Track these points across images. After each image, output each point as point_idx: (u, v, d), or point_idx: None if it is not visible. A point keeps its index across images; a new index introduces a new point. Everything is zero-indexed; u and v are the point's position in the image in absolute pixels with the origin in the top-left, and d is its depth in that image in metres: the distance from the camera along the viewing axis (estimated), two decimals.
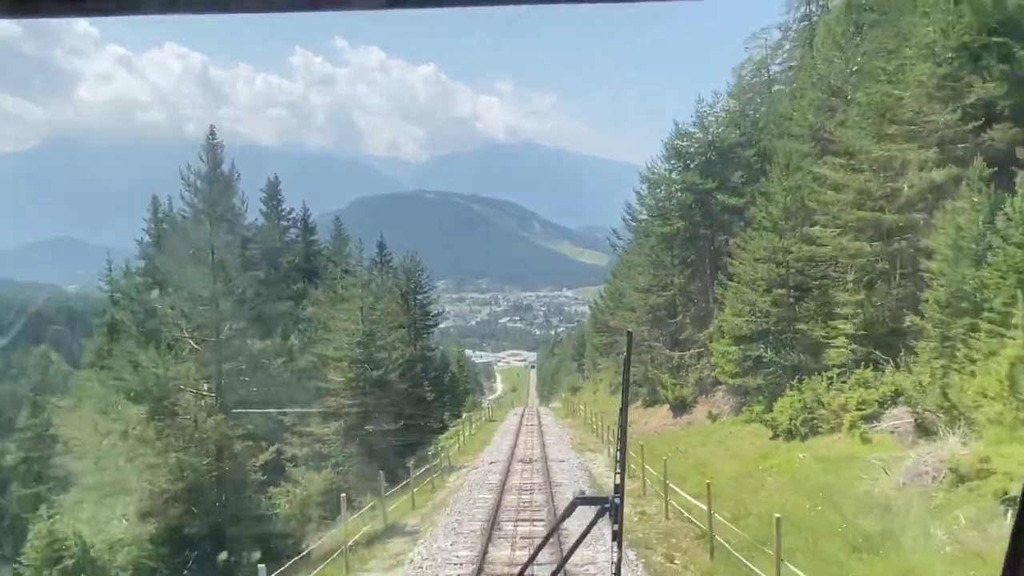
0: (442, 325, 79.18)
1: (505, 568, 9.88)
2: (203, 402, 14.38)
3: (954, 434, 13.66)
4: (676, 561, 10.79)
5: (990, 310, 14.98)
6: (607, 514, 1.84)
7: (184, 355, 14.98)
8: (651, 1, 1.11)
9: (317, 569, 11.30)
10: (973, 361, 15.03)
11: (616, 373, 43.30)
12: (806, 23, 49.18)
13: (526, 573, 2.22)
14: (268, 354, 17.01)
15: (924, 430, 15.44)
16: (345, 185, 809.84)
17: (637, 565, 10.44)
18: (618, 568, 1.94)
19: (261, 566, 9.23)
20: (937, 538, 10.24)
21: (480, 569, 9.79)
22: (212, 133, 19.86)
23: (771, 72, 54.28)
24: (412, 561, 10.95)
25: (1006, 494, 10.47)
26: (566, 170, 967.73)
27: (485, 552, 10.58)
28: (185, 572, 13.72)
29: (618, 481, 1.91)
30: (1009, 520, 10.04)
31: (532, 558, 2.12)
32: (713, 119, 31.30)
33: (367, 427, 25.14)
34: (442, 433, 41.12)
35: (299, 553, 13.33)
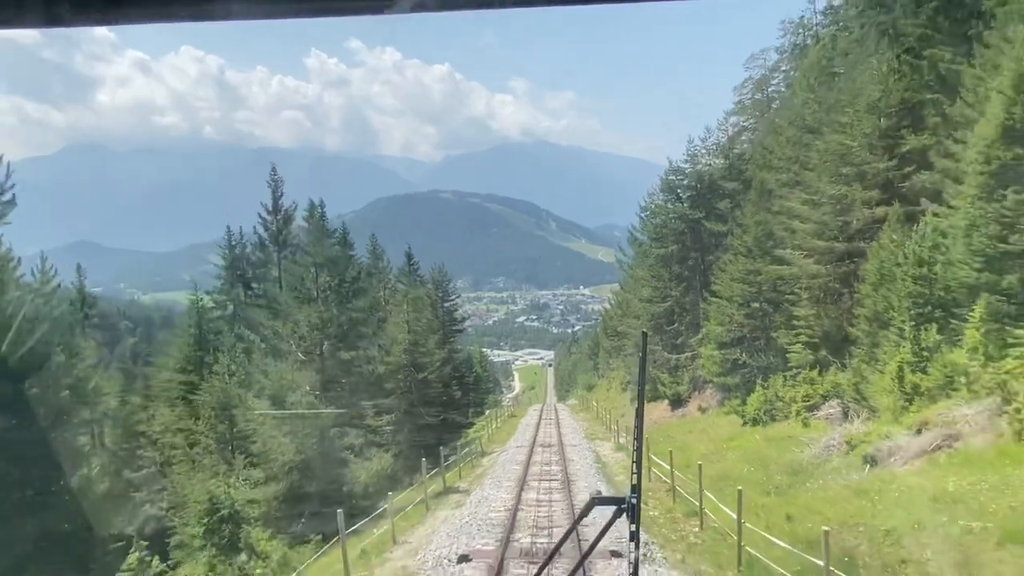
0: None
1: (533, 502, 15.23)
2: (308, 399, 19.84)
3: (859, 419, 18.80)
4: (649, 503, 16.04)
5: (894, 325, 20.03)
6: (624, 514, 1.83)
7: (296, 365, 20.49)
8: (663, 1, 1.27)
9: (403, 511, 16.67)
10: (883, 364, 20.07)
11: (626, 372, 48.48)
12: (799, 50, 53.87)
13: (544, 572, 2.16)
14: (352, 363, 22.46)
15: (847, 416, 20.55)
16: (361, 185, 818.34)
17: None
18: (636, 567, 1.90)
19: (339, 511, 14.40)
20: (823, 486, 15.39)
21: (517, 506, 15.12)
22: (321, 211, 25.06)
23: (769, 92, 58.91)
24: (470, 503, 16.36)
25: (871, 456, 15.63)
26: (581, 168, 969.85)
27: (520, 493, 15.96)
28: (301, 521, 19.19)
29: (635, 482, 1.91)
30: (868, 472, 15.16)
31: (549, 558, 2.09)
32: (705, 151, 36.46)
33: (413, 421, 30.62)
34: (469, 428, 46.54)
35: (376, 510, 18.68)
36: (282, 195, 37.11)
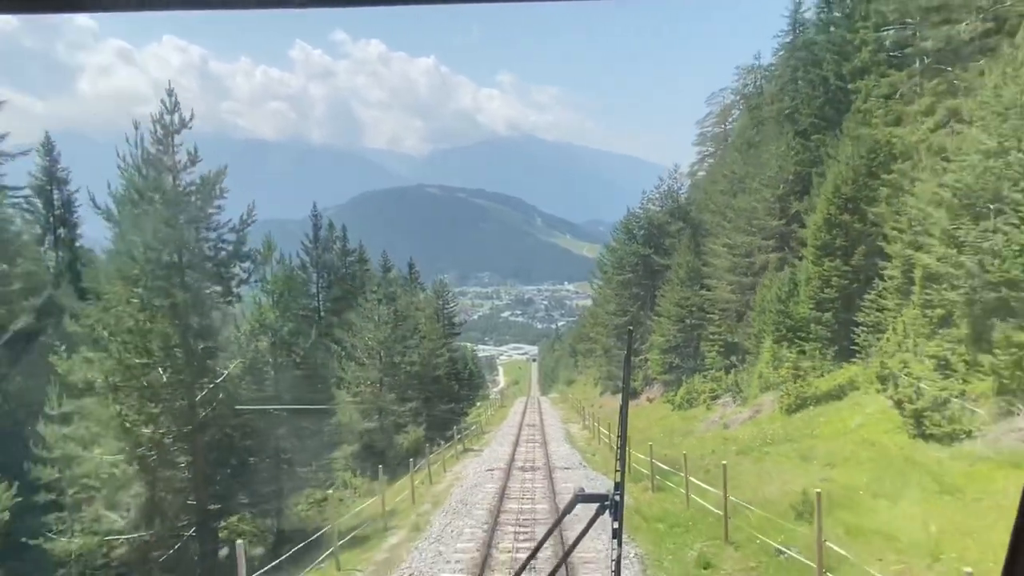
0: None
1: (523, 452, 25.37)
2: (372, 390, 29.84)
3: (736, 403, 29.18)
4: (596, 456, 26.19)
5: (814, 337, 30.32)
6: (607, 511, 1.84)
7: (362, 365, 30.44)
8: None
9: (442, 460, 26.68)
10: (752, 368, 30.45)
11: (597, 371, 58.91)
12: (750, 91, 63.96)
13: (529, 565, 2.17)
14: (399, 366, 32.51)
15: (734, 402, 30.89)
16: (347, 179, 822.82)
17: (586, 453, 25.78)
18: (618, 564, 1.93)
19: (380, 466, 24.19)
20: (696, 440, 25.59)
21: (513, 454, 25.16)
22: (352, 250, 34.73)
23: (727, 126, 69.23)
24: (484, 454, 26.50)
25: (726, 424, 25.93)
26: (568, 163, 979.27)
27: (513, 453, 26.10)
28: (380, 465, 29.16)
29: (618, 479, 1.91)
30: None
31: (532, 555, 2.08)
32: (658, 196, 46.87)
33: (428, 409, 40.58)
34: (467, 416, 56.70)
35: (420, 461, 28.70)
36: (321, 226, 46.65)
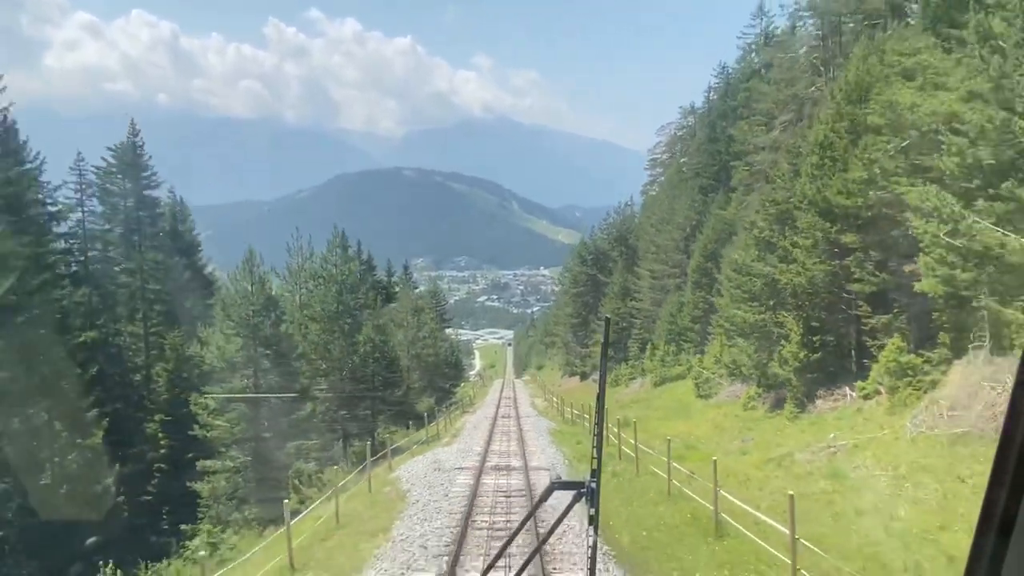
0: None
1: (503, 413, 41.31)
2: (405, 374, 45.63)
3: (641, 383, 45.43)
4: (547, 413, 42.16)
5: (689, 340, 46.53)
6: (583, 499, 1.89)
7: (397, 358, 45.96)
8: None
9: (449, 417, 42.43)
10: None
11: (560, 357, 75.21)
12: (686, 134, 79.93)
13: (506, 552, 2.23)
14: (419, 357, 48.08)
15: (640, 382, 47.11)
16: (322, 160, 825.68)
17: (541, 413, 41.68)
18: (594, 551, 1.97)
19: (425, 415, 39.79)
20: (618, 402, 41.68)
21: (496, 413, 41.03)
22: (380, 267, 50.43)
23: (676, 152, 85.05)
24: (477, 414, 42.44)
25: (628, 394, 42.10)
26: (545, 147, 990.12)
27: (496, 412, 42.00)
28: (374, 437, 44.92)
29: (595, 467, 1.95)
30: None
31: (508, 542, 2.12)
32: (607, 225, 62.93)
33: (432, 385, 56.36)
34: (454, 393, 72.68)
35: (435, 419, 44.44)
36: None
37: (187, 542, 20.59)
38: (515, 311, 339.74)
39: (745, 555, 10.21)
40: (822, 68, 35.76)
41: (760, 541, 10.06)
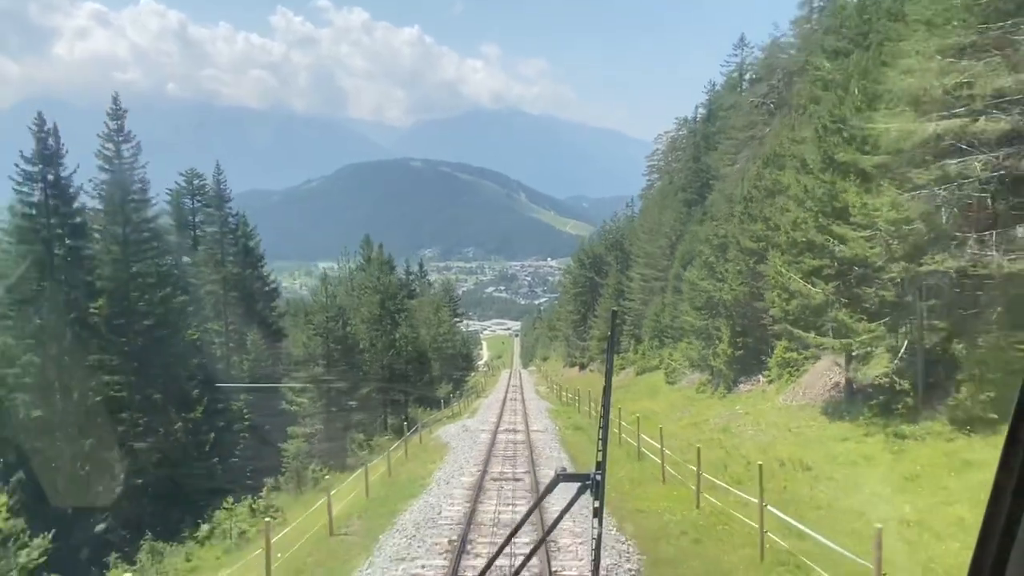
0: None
1: (510, 397, 49.81)
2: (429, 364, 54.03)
3: (628, 372, 53.88)
4: (548, 397, 50.62)
5: (668, 336, 54.81)
6: (588, 491, 1.90)
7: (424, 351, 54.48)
8: None
9: (466, 401, 50.93)
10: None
11: (562, 349, 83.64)
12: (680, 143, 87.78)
13: (512, 541, 2.26)
14: (441, 350, 56.57)
15: (627, 371, 55.51)
16: (331, 149, 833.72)
17: (543, 396, 50.10)
18: (598, 543, 1.99)
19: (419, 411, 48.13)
20: (596, 389, 50.23)
21: (505, 396, 49.52)
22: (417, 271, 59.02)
23: (671, 160, 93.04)
24: (489, 398, 50.98)
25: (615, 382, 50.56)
26: (553, 137, 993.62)
27: (505, 396, 50.50)
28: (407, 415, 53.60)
29: (600, 459, 1.97)
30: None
31: (513, 532, 2.15)
32: (604, 232, 71.20)
33: (448, 374, 64.96)
34: (466, 382, 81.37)
35: (454, 403, 52.91)
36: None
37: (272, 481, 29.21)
38: (522, 302, 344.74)
39: (651, 468, 18.50)
40: (774, 112, 43.80)
41: (657, 459, 18.42)
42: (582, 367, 70.12)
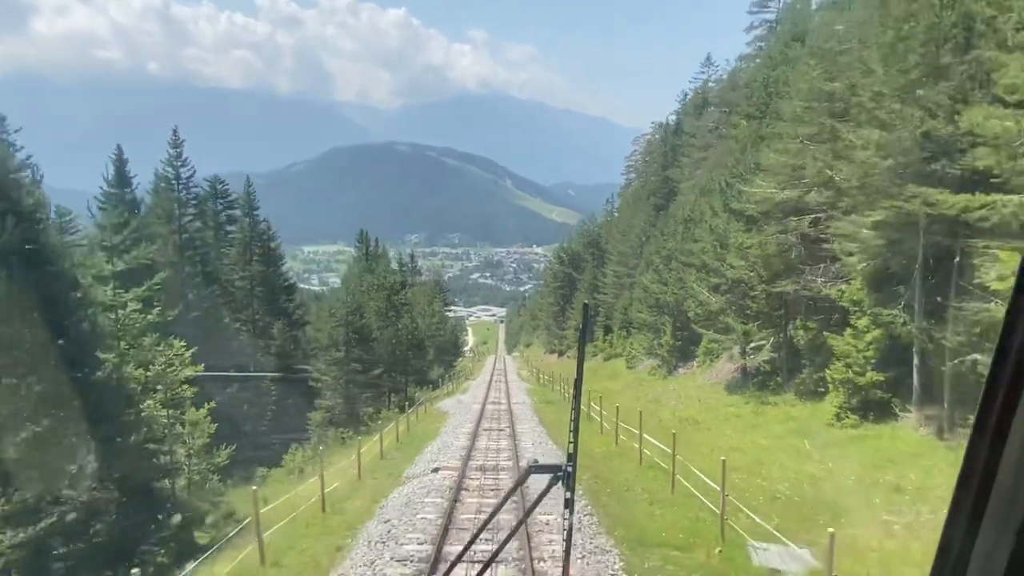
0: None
1: (496, 379, 57.74)
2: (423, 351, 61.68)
3: (622, 357, 61.95)
4: (529, 380, 58.51)
5: (635, 328, 62.83)
6: (560, 481, 1.96)
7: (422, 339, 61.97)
8: None
9: (456, 383, 58.72)
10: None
11: (545, 338, 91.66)
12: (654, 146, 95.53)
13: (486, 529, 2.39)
14: (434, 336, 63.93)
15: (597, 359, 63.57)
16: (316, 132, 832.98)
17: (524, 380, 58.00)
18: (569, 533, 2.04)
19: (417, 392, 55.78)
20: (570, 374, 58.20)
21: (491, 379, 57.37)
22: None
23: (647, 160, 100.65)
24: (477, 379, 58.90)
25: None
26: (540, 122, 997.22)
27: (491, 378, 58.38)
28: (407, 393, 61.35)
29: (571, 450, 2.06)
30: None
31: (487, 522, 2.22)
32: (582, 232, 79.07)
33: (440, 359, 72.72)
34: (454, 367, 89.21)
35: (447, 383, 60.63)
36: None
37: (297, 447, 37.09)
38: (508, 289, 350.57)
39: (596, 426, 26.30)
40: (724, 138, 51.60)
41: (599, 420, 26.24)
42: (560, 354, 78.23)
